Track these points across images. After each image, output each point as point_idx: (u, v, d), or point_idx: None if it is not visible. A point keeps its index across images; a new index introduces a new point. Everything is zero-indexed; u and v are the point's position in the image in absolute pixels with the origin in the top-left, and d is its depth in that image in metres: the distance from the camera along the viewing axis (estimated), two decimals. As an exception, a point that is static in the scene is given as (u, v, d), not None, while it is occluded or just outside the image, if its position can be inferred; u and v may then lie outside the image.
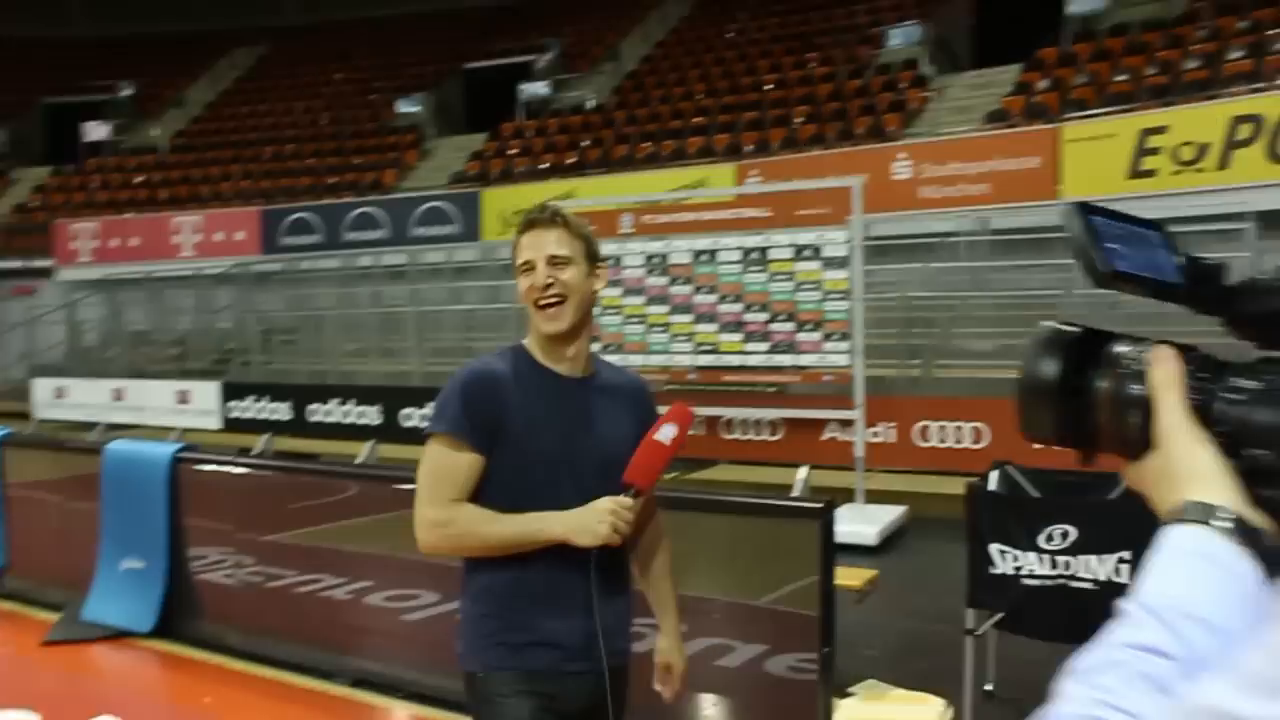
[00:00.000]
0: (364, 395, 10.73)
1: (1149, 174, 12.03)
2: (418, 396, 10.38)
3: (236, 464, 5.90)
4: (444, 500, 2.34)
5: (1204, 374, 0.93)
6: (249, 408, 11.44)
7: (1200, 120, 11.89)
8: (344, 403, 10.67)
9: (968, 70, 17.75)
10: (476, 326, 13.39)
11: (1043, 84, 14.98)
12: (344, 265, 17.20)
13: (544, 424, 2.37)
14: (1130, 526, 4.04)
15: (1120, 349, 0.99)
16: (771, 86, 18.40)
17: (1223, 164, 11.63)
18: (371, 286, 16.09)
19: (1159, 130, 12.01)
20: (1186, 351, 0.94)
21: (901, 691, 4.87)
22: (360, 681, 5.11)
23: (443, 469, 2.36)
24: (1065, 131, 12.81)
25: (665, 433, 2.33)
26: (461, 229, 17.53)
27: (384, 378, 12.99)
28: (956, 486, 8.93)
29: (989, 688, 4.77)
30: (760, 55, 19.52)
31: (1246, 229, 10.97)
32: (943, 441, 8.16)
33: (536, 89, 20.87)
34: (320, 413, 10.83)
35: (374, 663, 5.21)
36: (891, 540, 7.97)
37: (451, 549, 2.41)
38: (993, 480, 4.70)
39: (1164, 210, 11.57)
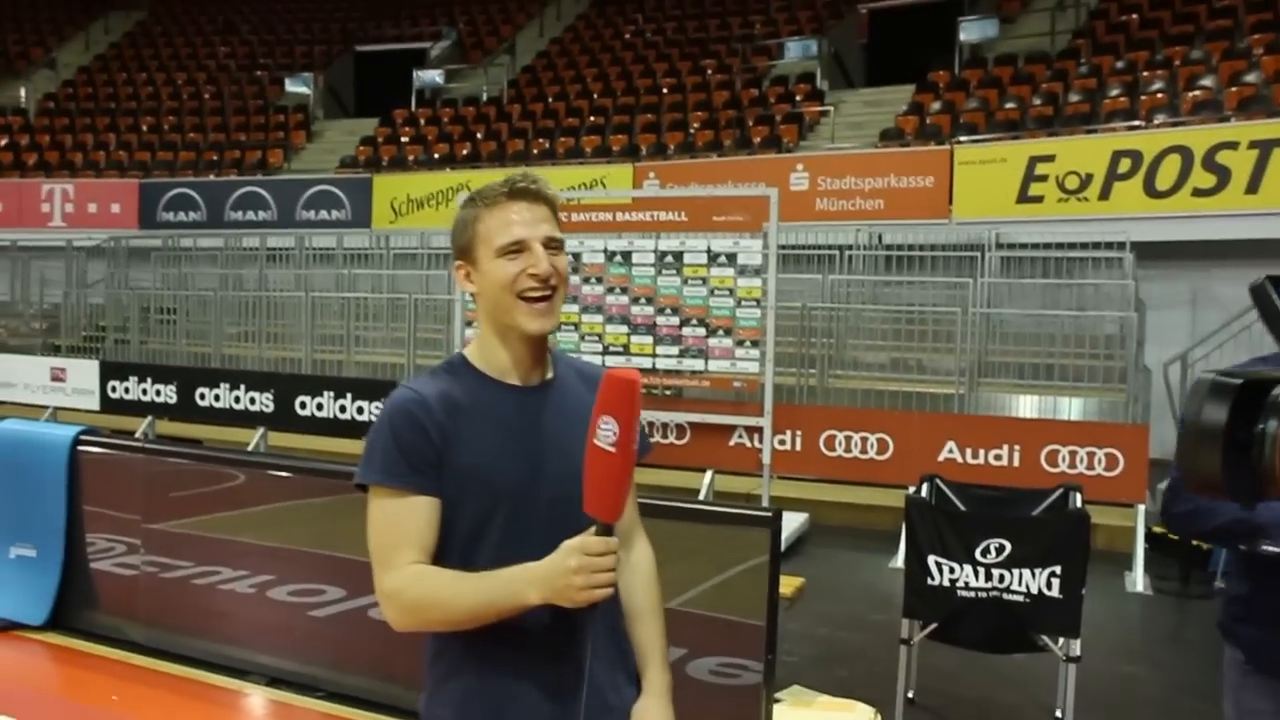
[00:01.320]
0: (255, 381, 10.38)
1: (1037, 200, 12.50)
2: (314, 385, 10.11)
3: (147, 450, 5.63)
4: (397, 564, 1.90)
5: None
6: (131, 389, 10.94)
7: (1085, 151, 12.39)
8: (234, 388, 10.30)
9: (861, 88, 18.17)
10: (366, 316, 13.11)
11: (935, 106, 15.42)
12: (227, 245, 16.62)
13: (503, 453, 1.94)
14: (1061, 541, 4.20)
15: None
16: (668, 91, 18.50)
17: (1104, 194, 12.15)
18: (256, 269, 15.59)
19: (1047, 159, 12.48)
20: None
21: (827, 698, 4.94)
22: (276, 680, 4.95)
23: (387, 526, 1.92)
24: (959, 153, 13.20)
25: (604, 435, 1.77)
26: (351, 215, 17.15)
27: (270, 363, 12.61)
28: (852, 495, 9.24)
29: (910, 695, 4.88)
30: (657, 58, 19.60)
31: (1126, 258, 11.50)
32: (848, 452, 8.31)
33: (430, 77, 20.56)
34: (209, 397, 10.43)
35: (288, 661, 5.05)
36: (794, 547, 8.10)
37: (417, 624, 1.93)
38: (922, 492, 4.80)
39: (1050, 236, 12.13)
